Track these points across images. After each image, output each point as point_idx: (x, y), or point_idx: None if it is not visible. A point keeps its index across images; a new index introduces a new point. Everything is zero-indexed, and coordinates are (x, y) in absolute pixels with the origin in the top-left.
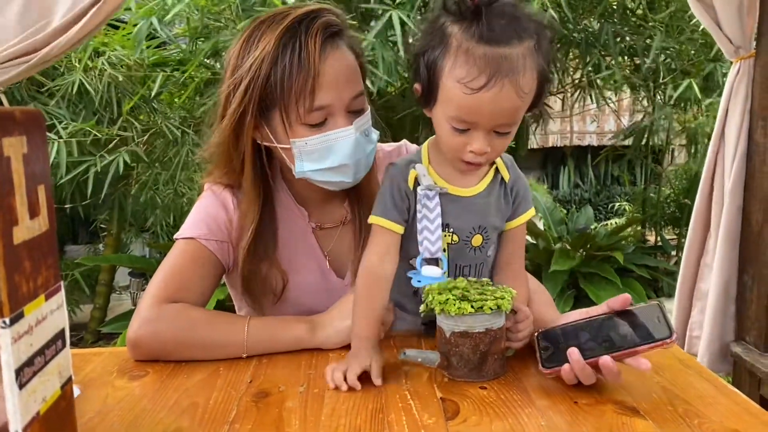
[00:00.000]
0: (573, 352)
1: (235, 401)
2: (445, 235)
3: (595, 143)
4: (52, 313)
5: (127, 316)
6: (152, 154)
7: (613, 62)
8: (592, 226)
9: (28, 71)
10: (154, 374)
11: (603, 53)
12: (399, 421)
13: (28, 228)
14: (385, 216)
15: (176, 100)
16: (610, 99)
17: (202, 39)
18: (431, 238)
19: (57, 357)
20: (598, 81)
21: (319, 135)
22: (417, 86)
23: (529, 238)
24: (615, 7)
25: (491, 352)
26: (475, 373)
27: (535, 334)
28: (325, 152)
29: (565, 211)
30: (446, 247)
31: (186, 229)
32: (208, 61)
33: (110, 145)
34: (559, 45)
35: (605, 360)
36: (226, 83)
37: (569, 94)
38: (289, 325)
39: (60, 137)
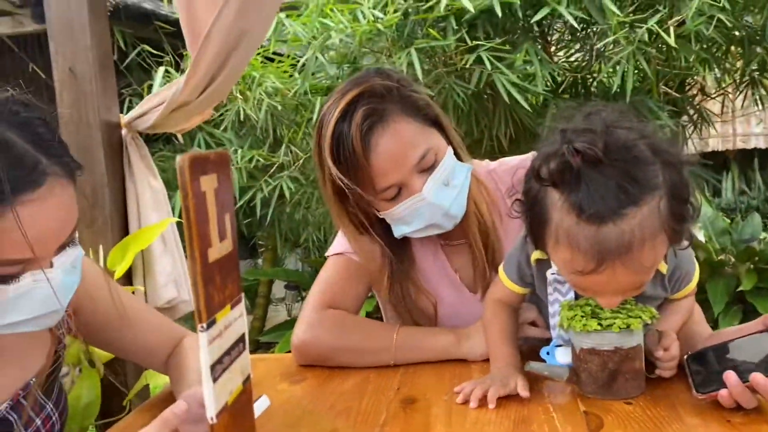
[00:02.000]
0: (730, 376)
1: (385, 406)
2: None
3: (762, 145)
4: (235, 320)
5: (284, 326)
6: (305, 175)
7: None
8: (761, 237)
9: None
10: (312, 379)
11: None
12: None
13: (218, 249)
14: (509, 276)
15: None
16: None
17: (348, 65)
18: None
19: (239, 358)
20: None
21: (398, 205)
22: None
23: None
24: None
25: (622, 371)
26: (605, 390)
27: (685, 356)
28: (410, 216)
29: (728, 221)
30: None
31: (335, 246)
32: None
33: (271, 171)
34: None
35: (756, 377)
36: (316, 166)
37: (730, 96)
38: (436, 334)
39: (235, 164)
